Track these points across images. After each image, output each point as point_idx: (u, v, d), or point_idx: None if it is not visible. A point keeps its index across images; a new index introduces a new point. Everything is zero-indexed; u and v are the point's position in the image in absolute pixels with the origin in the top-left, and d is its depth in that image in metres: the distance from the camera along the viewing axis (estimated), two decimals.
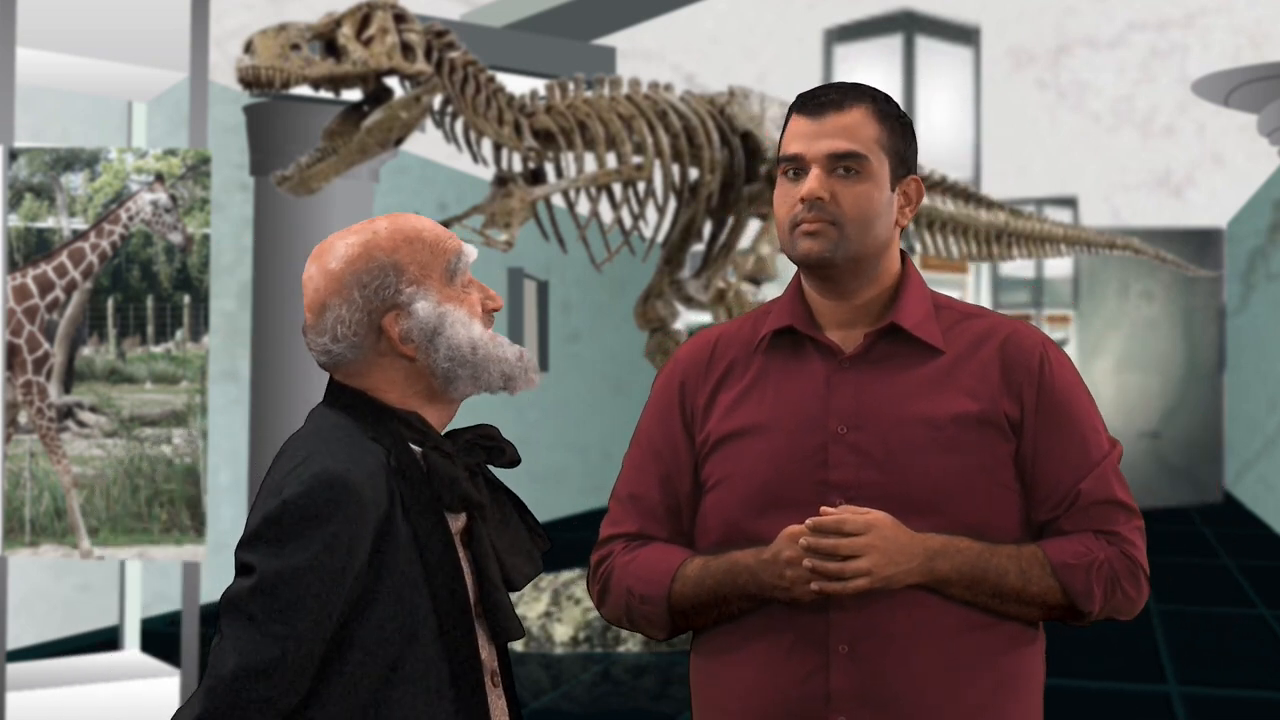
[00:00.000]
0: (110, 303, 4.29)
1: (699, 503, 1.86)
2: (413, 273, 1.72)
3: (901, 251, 1.88)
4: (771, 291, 5.89)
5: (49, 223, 4.27)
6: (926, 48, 10.17)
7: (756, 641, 1.77)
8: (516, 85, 6.05)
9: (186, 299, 4.31)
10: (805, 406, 1.80)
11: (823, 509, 1.69)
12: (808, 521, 1.68)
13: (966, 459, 1.75)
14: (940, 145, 10.17)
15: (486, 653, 1.71)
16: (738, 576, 1.75)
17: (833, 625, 1.72)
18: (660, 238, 6.49)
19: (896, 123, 1.83)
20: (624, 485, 1.91)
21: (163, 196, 4.28)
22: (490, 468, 1.80)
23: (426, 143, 7.01)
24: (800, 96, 1.84)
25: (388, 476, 1.65)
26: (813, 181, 1.77)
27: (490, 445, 1.77)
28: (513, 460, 1.78)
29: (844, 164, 1.78)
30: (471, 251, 1.79)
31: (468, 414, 1.82)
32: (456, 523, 1.71)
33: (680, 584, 1.79)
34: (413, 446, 1.69)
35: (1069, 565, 1.75)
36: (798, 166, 1.80)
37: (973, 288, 11.53)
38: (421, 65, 5.19)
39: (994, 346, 1.81)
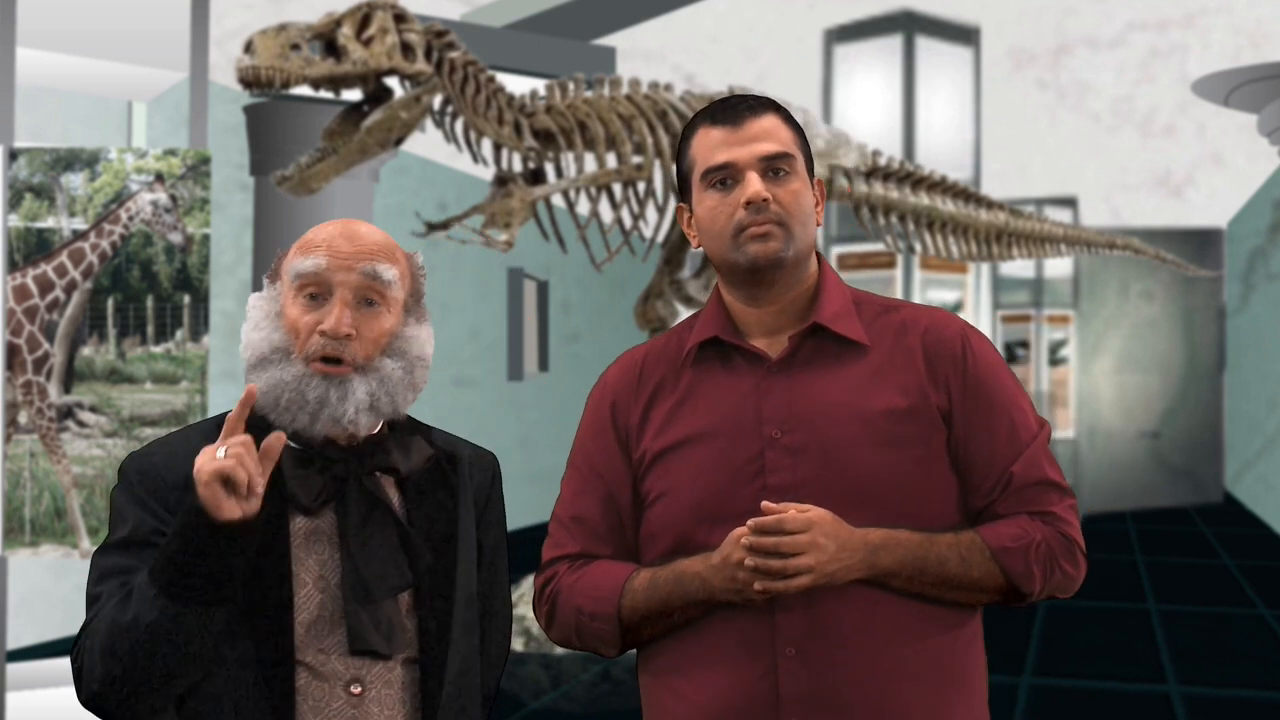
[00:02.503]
0: (110, 303, 4.29)
1: (640, 519, 1.87)
2: (277, 267, 1.77)
3: (815, 251, 1.90)
4: None
5: (49, 223, 4.27)
6: (926, 48, 10.17)
7: (705, 649, 1.78)
8: (516, 85, 6.05)
9: (186, 299, 4.31)
10: (738, 415, 1.81)
11: (765, 505, 1.70)
12: (750, 522, 1.69)
13: (901, 452, 1.76)
14: (940, 145, 10.17)
15: (344, 662, 1.68)
16: (687, 584, 1.76)
17: (778, 628, 1.73)
18: (660, 238, 6.49)
19: (798, 128, 1.87)
20: (564, 508, 1.92)
21: (163, 196, 4.28)
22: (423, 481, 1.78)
23: (426, 143, 7.01)
24: (707, 110, 1.86)
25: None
26: (756, 184, 1.78)
27: (376, 451, 1.74)
28: (396, 469, 1.75)
29: (775, 165, 1.81)
30: (316, 264, 1.70)
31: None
32: (312, 523, 1.70)
33: (629, 598, 1.80)
34: (289, 442, 1.71)
35: (1007, 549, 1.76)
36: (728, 175, 1.81)
37: (973, 288, 11.53)
38: (421, 65, 5.19)
39: (916, 338, 1.83)
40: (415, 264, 1.81)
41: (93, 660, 1.61)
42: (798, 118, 2.14)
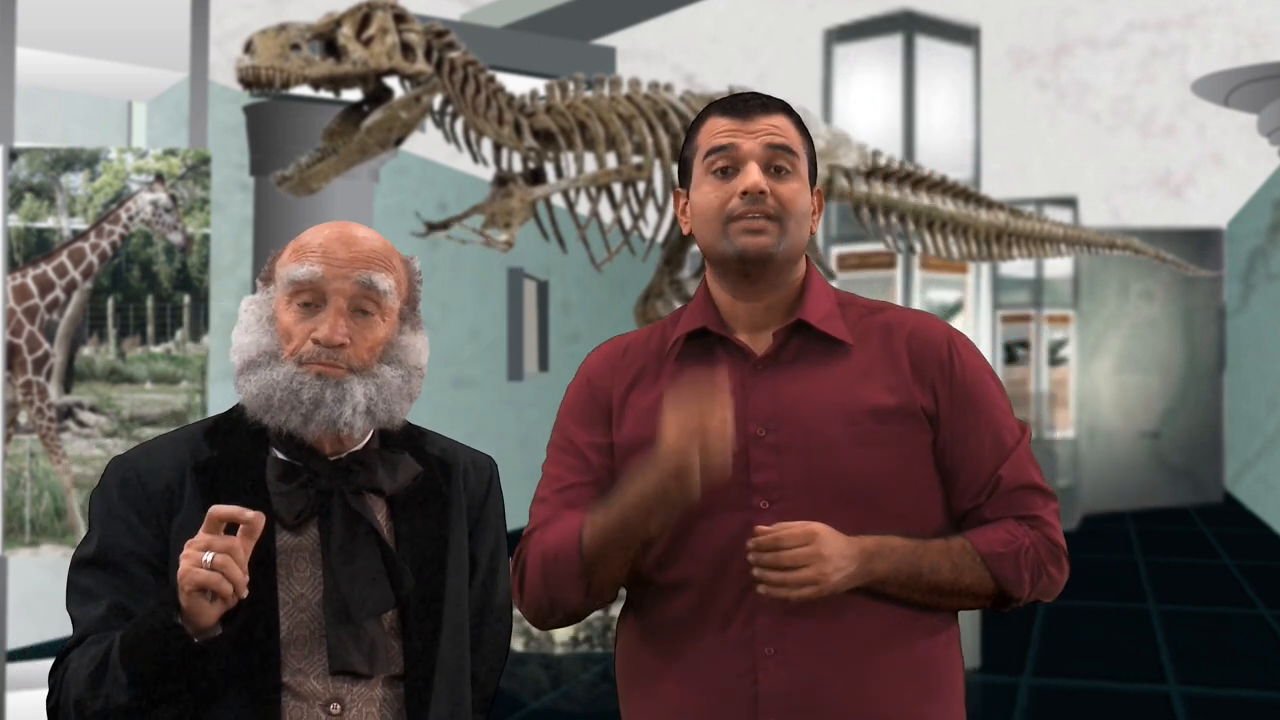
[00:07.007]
0: (110, 303, 4.29)
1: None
2: (270, 270, 1.73)
3: (805, 255, 1.89)
4: None
5: (49, 223, 4.27)
6: (926, 48, 10.16)
7: (686, 645, 1.77)
8: (516, 85, 6.05)
9: (186, 299, 4.31)
10: None
11: (757, 528, 1.68)
12: (749, 542, 1.68)
13: (886, 451, 1.76)
14: (940, 145, 10.16)
15: (322, 682, 1.65)
16: (638, 493, 1.69)
17: (759, 628, 1.72)
18: (660, 238, 6.49)
19: (807, 134, 1.86)
20: (542, 487, 1.90)
21: (163, 196, 4.28)
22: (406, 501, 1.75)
23: (426, 143, 7.01)
24: (719, 102, 1.85)
25: (182, 471, 1.65)
26: (755, 174, 1.77)
27: (359, 469, 1.70)
28: (378, 490, 1.71)
29: (778, 160, 1.79)
30: (311, 273, 1.67)
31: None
32: (295, 539, 1.67)
33: (589, 527, 1.75)
34: (276, 453, 1.69)
35: (998, 554, 1.76)
36: (730, 163, 1.79)
37: (973, 288, 11.51)
38: (421, 65, 5.19)
39: (901, 340, 1.83)
40: (412, 269, 1.77)
41: (67, 707, 1.59)
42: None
